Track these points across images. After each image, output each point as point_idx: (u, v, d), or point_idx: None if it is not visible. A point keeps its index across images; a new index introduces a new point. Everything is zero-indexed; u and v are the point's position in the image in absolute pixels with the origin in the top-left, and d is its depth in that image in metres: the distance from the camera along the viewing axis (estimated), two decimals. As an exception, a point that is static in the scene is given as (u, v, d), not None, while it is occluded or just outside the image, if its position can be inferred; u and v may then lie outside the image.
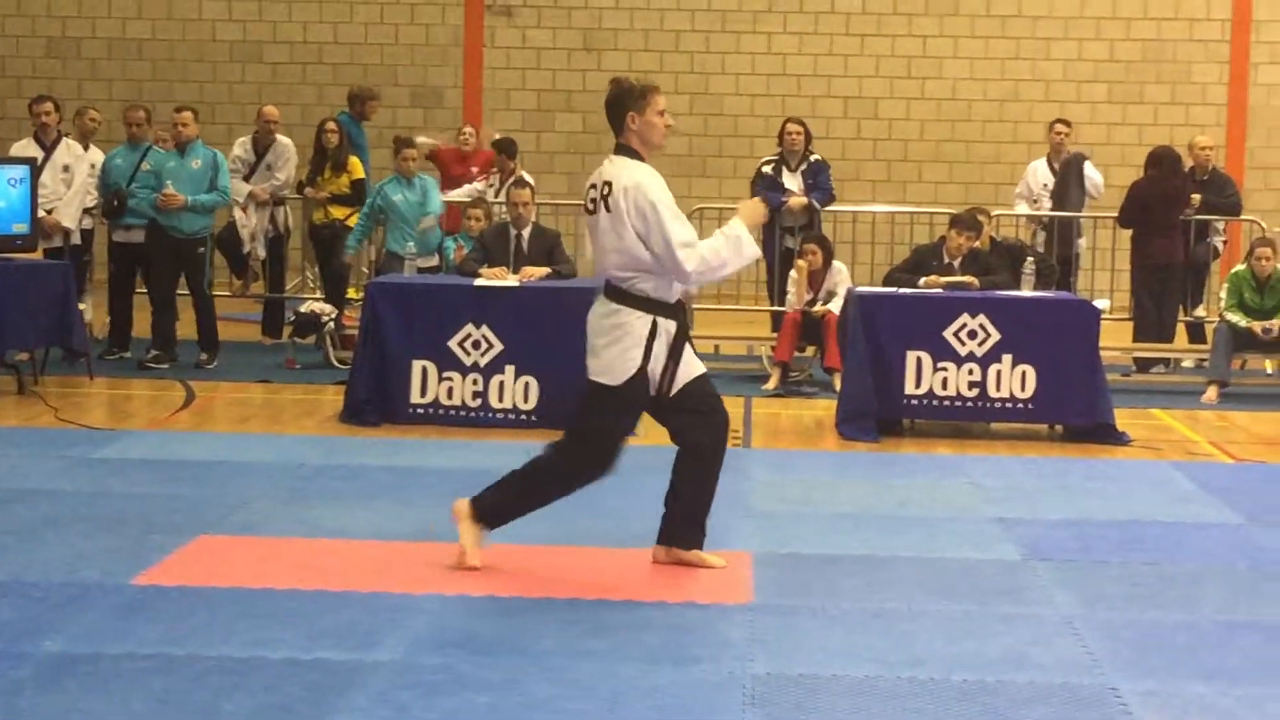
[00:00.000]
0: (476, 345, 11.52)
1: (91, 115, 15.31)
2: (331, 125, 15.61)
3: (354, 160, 15.51)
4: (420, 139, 16.76)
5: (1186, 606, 7.14)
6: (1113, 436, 11.50)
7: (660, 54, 21.49)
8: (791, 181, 15.04)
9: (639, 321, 7.26)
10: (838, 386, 12.57)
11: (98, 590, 6.94)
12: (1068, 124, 16.56)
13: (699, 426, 7.46)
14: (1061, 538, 8.40)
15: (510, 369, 11.50)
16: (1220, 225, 16.21)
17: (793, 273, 14.15)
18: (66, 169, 14.39)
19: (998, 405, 11.64)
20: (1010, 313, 11.70)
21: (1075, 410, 11.61)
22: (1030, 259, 12.70)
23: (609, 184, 7.26)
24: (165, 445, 10.62)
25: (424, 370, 11.54)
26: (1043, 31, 21.56)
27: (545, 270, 12.07)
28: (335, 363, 14.09)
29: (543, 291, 11.74)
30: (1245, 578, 7.70)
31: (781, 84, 21.66)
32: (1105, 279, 16.82)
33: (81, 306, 13.55)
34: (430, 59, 22.11)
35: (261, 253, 15.98)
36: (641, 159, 7.35)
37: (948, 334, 11.62)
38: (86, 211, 14.66)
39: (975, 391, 11.60)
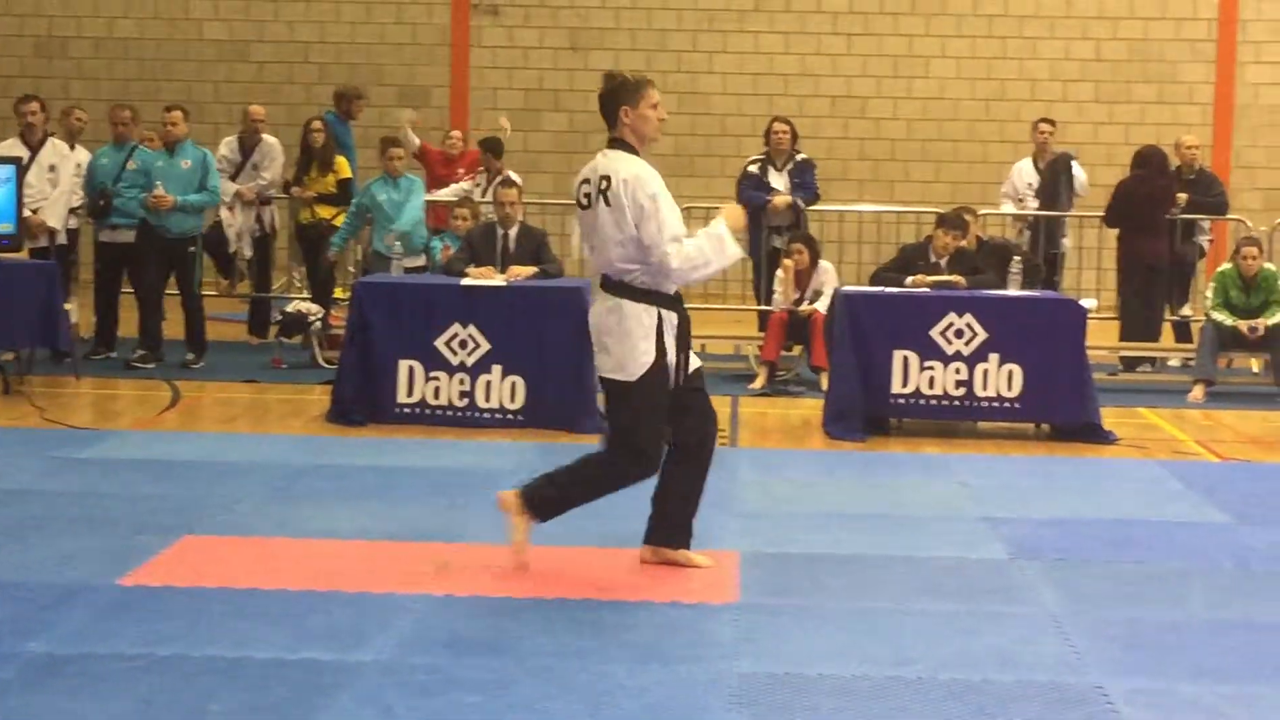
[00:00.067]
0: (463, 345, 11.52)
1: (78, 115, 15.28)
2: (317, 124, 15.60)
3: (340, 160, 15.49)
4: (404, 113, 16.85)
5: (1173, 605, 7.15)
6: (1099, 435, 11.51)
7: (647, 53, 21.49)
8: (778, 180, 15.04)
9: (645, 314, 7.25)
10: (824, 386, 12.57)
11: (84, 590, 6.93)
12: (1051, 123, 16.57)
13: (690, 427, 7.47)
14: (1048, 537, 8.40)
15: (497, 369, 11.49)
16: (1206, 224, 16.23)
17: (779, 272, 14.15)
18: (52, 169, 14.36)
19: (984, 404, 11.65)
20: (997, 312, 11.71)
21: (1062, 409, 11.63)
22: (1017, 258, 12.71)
23: (607, 178, 7.24)
24: (151, 445, 10.61)
25: (410, 370, 11.54)
26: (1029, 31, 21.59)
27: (532, 270, 12.06)
28: (322, 362, 14.08)
29: (529, 291, 11.73)
30: (1231, 576, 7.71)
31: (768, 83, 21.68)
32: (1092, 278, 16.84)
33: (67, 306, 13.52)
34: (417, 58, 22.10)
35: (248, 252, 15.97)
36: (636, 153, 7.34)
37: (934, 333, 11.62)
38: (72, 211, 14.62)
39: (962, 391, 11.61)
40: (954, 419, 11.85)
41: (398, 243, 13.29)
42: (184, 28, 22.28)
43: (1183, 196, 15.39)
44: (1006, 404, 11.63)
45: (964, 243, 12.76)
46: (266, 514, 8.60)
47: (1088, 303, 12.59)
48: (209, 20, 22.27)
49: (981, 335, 11.59)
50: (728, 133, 21.35)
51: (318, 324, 14.38)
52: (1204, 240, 16.25)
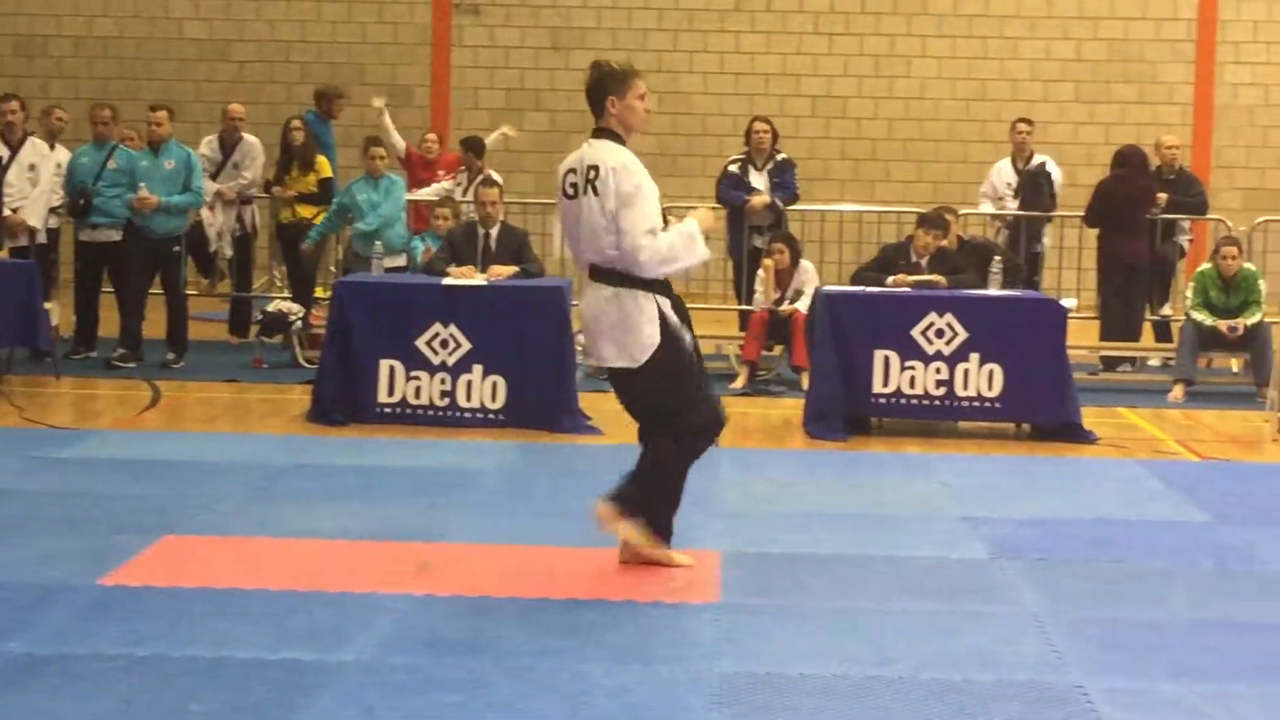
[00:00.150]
0: (444, 344, 11.51)
1: (58, 115, 15.27)
2: (296, 123, 15.58)
3: (321, 159, 15.48)
4: (376, 100, 16.93)
5: (1153, 604, 7.17)
6: (1080, 435, 11.53)
7: (628, 53, 21.43)
8: (758, 180, 15.04)
9: (644, 300, 7.24)
10: (805, 385, 12.58)
11: (63, 590, 6.91)
12: (1030, 123, 16.58)
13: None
14: (1029, 536, 8.41)
15: (478, 368, 11.49)
16: (1186, 224, 16.26)
17: (760, 272, 14.16)
18: (32, 168, 14.33)
19: (965, 404, 11.67)
20: (978, 312, 11.73)
21: (1042, 409, 11.64)
22: (998, 258, 12.72)
23: (595, 167, 7.22)
24: (131, 445, 10.59)
25: (391, 369, 11.53)
26: (1010, 31, 21.62)
27: (513, 269, 12.06)
28: (303, 362, 14.06)
29: (510, 290, 11.73)
30: (1211, 576, 7.73)
31: (749, 83, 21.69)
32: (1072, 278, 16.87)
33: (48, 306, 13.50)
34: (398, 58, 22.09)
35: (228, 251, 15.95)
36: (622, 142, 7.34)
37: (915, 333, 11.64)
38: (52, 211, 14.60)
39: (943, 390, 11.62)
40: (935, 419, 11.86)
41: (378, 242, 13.26)
42: (164, 26, 22.24)
43: (1163, 196, 15.42)
44: (987, 403, 11.64)
45: (945, 242, 12.77)
46: (247, 514, 8.58)
47: (1068, 302, 12.61)
48: (189, 19, 22.23)
49: (962, 335, 11.61)
50: (709, 132, 21.36)
51: (298, 323, 14.37)
52: (1184, 240, 16.28)
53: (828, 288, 12.50)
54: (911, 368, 11.63)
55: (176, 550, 7.76)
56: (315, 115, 16.34)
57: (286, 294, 15.47)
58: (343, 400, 11.55)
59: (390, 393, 11.53)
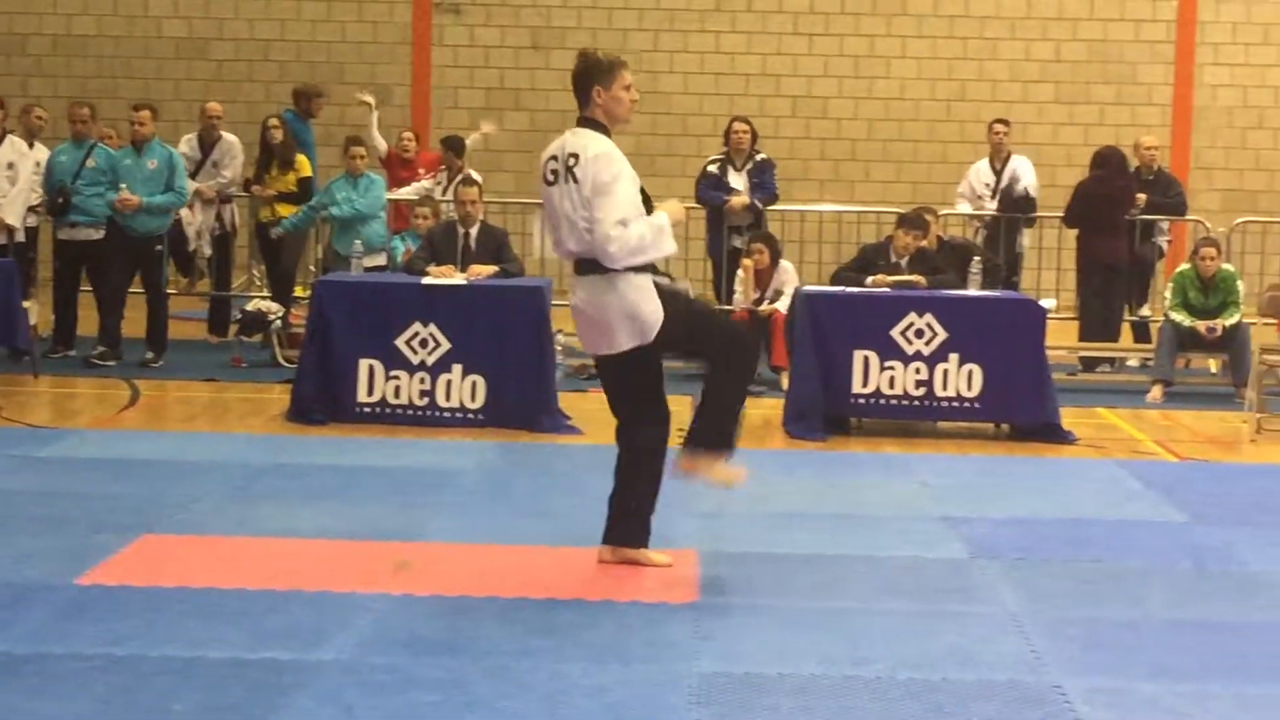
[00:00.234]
0: (424, 344, 11.50)
1: (37, 113, 15.23)
2: (274, 122, 15.57)
3: (301, 158, 15.46)
4: (366, 96, 16.95)
5: (1131, 604, 7.18)
6: (1058, 435, 11.55)
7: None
8: (737, 180, 15.03)
9: (638, 279, 7.22)
10: (785, 385, 12.58)
11: (41, 590, 6.90)
12: (1007, 123, 16.60)
13: (647, 434, 7.50)
14: (1008, 536, 8.43)
15: (458, 368, 11.48)
16: (1165, 225, 16.28)
17: (740, 272, 14.16)
18: (11, 166, 14.30)
19: (944, 404, 11.68)
20: (957, 312, 11.74)
21: (1021, 409, 11.66)
22: (977, 258, 12.73)
23: (575, 155, 7.22)
24: (110, 444, 10.56)
25: (371, 369, 11.51)
26: (990, 32, 21.65)
27: (493, 269, 12.05)
28: (282, 361, 14.04)
29: (490, 290, 11.72)
30: (1189, 576, 7.74)
31: (729, 83, 21.70)
32: (1051, 278, 16.90)
33: (26, 305, 13.45)
34: (378, 57, 22.06)
35: (207, 250, 15.92)
36: (606, 133, 7.33)
37: (895, 333, 11.65)
38: (31, 209, 14.57)
39: (922, 390, 11.63)
40: (914, 419, 11.87)
41: (357, 241, 13.23)
42: (143, 25, 22.18)
43: (1142, 197, 15.43)
44: (966, 404, 11.66)
45: (924, 243, 12.78)
46: (226, 513, 8.57)
47: (1047, 303, 12.62)
48: (168, 18, 22.18)
49: (941, 335, 11.62)
50: (689, 132, 21.36)
51: (278, 323, 14.35)
52: (1163, 241, 16.31)
53: (807, 288, 12.51)
54: (891, 368, 11.63)
55: (155, 550, 7.75)
56: (294, 114, 16.31)
57: (266, 293, 15.44)
58: (322, 399, 11.53)
59: (370, 392, 11.51)
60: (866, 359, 11.63)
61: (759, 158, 15.16)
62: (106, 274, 14.26)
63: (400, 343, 11.49)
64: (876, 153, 21.70)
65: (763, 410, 12.59)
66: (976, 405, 11.66)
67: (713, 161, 15.30)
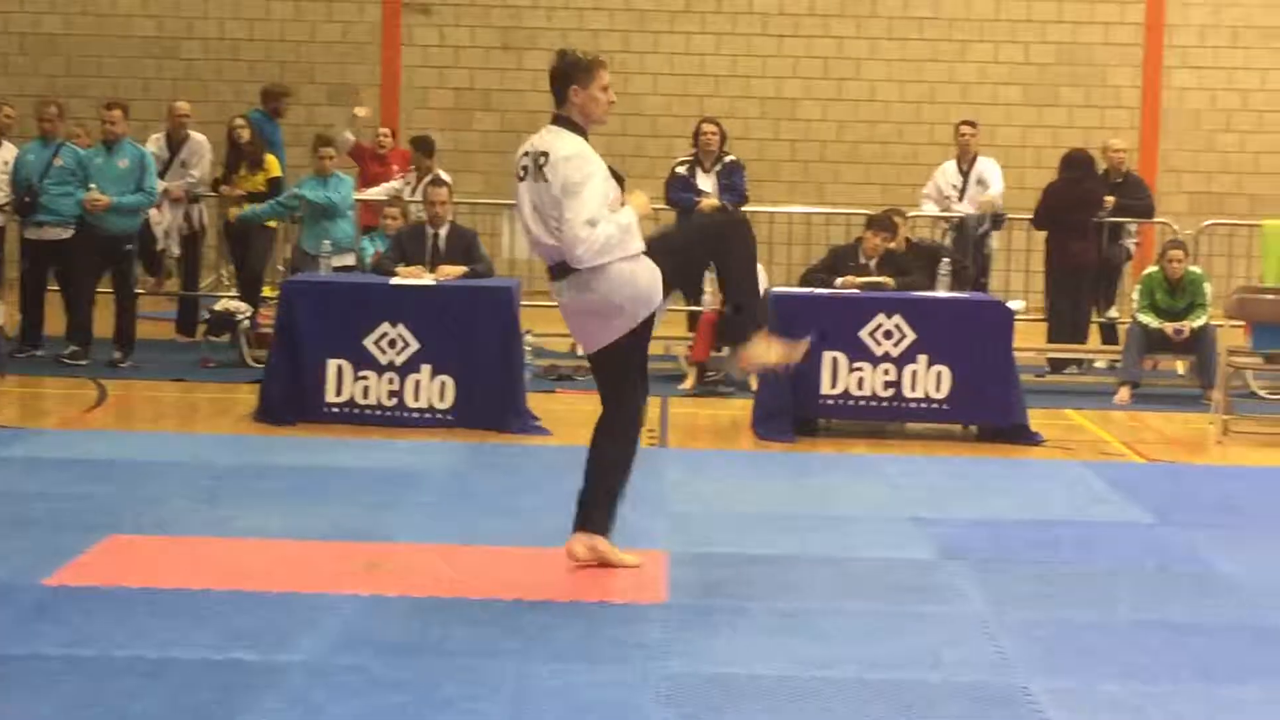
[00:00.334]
0: (392, 344, 11.48)
1: (5, 111, 15.17)
2: (240, 121, 15.56)
3: (271, 158, 15.43)
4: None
5: (1098, 606, 7.20)
6: (1026, 437, 11.57)
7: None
8: (706, 182, 15.01)
9: (632, 261, 7.20)
10: (754, 386, 12.58)
11: (6, 591, 6.87)
12: (973, 124, 16.61)
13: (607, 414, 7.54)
14: (975, 537, 8.44)
15: (426, 368, 11.46)
16: (1133, 227, 16.33)
17: (709, 273, 14.14)
18: (-22, 165, 14.25)
19: (913, 405, 11.70)
20: (926, 313, 11.76)
21: (989, 410, 11.69)
22: (945, 260, 12.76)
23: (545, 154, 7.20)
24: (77, 444, 10.53)
25: (339, 369, 11.49)
26: (959, 34, 21.69)
27: (462, 269, 12.04)
28: (250, 361, 14.00)
29: (459, 290, 11.71)
30: (1155, 577, 7.77)
31: (699, 84, 21.71)
32: (1019, 280, 16.93)
33: (-8, 304, 13.42)
34: (347, 56, 22.01)
35: (175, 250, 15.88)
36: (581, 132, 7.31)
37: (864, 334, 11.66)
38: (-1, 208, 14.53)
39: (891, 392, 11.65)
40: (883, 420, 11.89)
41: (326, 241, 13.20)
42: (111, 23, 22.11)
43: (1110, 199, 15.48)
44: (935, 405, 11.68)
45: (893, 244, 12.80)
46: (193, 513, 8.54)
47: (1015, 304, 12.65)
48: (137, 16, 22.11)
49: (910, 336, 11.64)
50: (659, 133, 21.35)
51: (246, 323, 14.32)
52: (1130, 243, 16.36)
53: (776, 289, 12.52)
54: (860, 369, 11.65)
55: (121, 550, 7.72)
56: (262, 114, 16.29)
57: (234, 293, 15.40)
58: (290, 400, 11.50)
59: (338, 392, 11.49)
60: (835, 360, 11.65)
61: (728, 159, 15.14)
62: (75, 274, 14.21)
63: (369, 343, 11.47)
64: (846, 154, 21.72)
65: (731, 411, 12.62)
66: (945, 406, 11.68)
67: (681, 163, 15.28)
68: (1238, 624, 6.97)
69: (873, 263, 12.53)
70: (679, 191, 14.93)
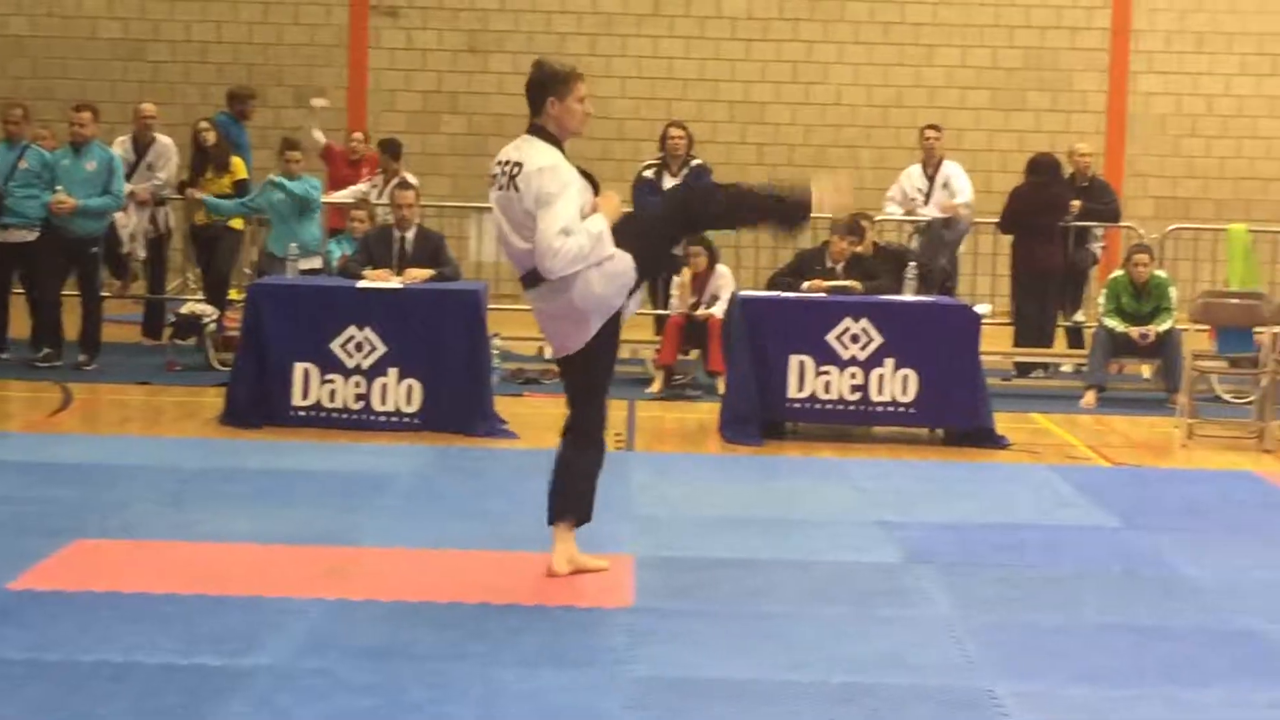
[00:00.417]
0: (359, 347, 11.46)
1: (-29, 114, 15.09)
2: (204, 124, 15.51)
3: (237, 161, 15.40)
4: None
5: (1063, 609, 7.22)
6: (992, 440, 11.61)
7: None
8: (673, 186, 15.01)
9: (606, 265, 7.20)
10: (721, 390, 12.60)
11: (-29, 595, 6.85)
12: (938, 129, 16.62)
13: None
14: (941, 540, 8.46)
15: (393, 371, 11.44)
16: (1099, 232, 16.37)
17: (677, 276, 14.17)
18: (-57, 168, 14.18)
19: (880, 409, 11.72)
20: (892, 317, 11.79)
21: (956, 414, 11.71)
22: (912, 264, 12.79)
23: (519, 164, 7.18)
24: (41, 447, 10.48)
25: (306, 372, 11.46)
26: (926, 39, 21.72)
27: (429, 272, 12.02)
28: (216, 365, 13.97)
29: (426, 293, 11.69)
30: (1120, 581, 7.79)
31: (667, 88, 21.71)
32: (986, 284, 16.97)
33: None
34: (314, 59, 21.96)
35: (141, 253, 15.82)
36: (556, 143, 7.30)
37: (830, 338, 11.68)
38: (-36, 210, 14.44)
39: (857, 395, 11.67)
40: (849, 423, 11.92)
41: (293, 244, 13.17)
42: (78, 25, 22.02)
43: (1076, 204, 15.53)
44: (901, 409, 11.70)
45: (860, 248, 12.83)
46: (159, 517, 8.52)
47: (982, 308, 12.68)
48: (103, 18, 22.02)
49: (877, 340, 11.66)
50: (625, 137, 21.33)
51: (212, 326, 14.28)
52: (1097, 247, 16.40)
53: (744, 292, 12.53)
54: (826, 372, 11.67)
55: (87, 554, 7.69)
56: (228, 116, 16.25)
57: (200, 296, 15.36)
58: (256, 403, 11.47)
59: (305, 396, 11.47)
60: (802, 364, 11.66)
61: (694, 163, 15.16)
62: (40, 276, 14.16)
63: (335, 346, 11.44)
64: (813, 158, 21.72)
65: (699, 415, 12.63)
66: (911, 410, 11.70)
67: (648, 166, 15.29)
68: (1202, 627, 7.01)
69: (840, 266, 12.56)
70: (646, 195, 14.92)
